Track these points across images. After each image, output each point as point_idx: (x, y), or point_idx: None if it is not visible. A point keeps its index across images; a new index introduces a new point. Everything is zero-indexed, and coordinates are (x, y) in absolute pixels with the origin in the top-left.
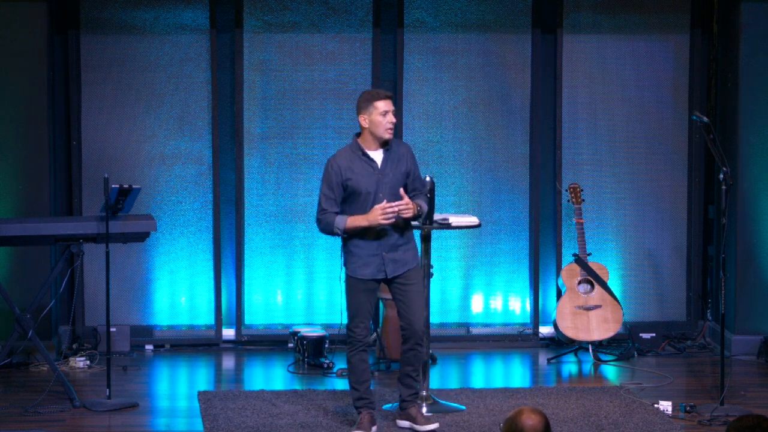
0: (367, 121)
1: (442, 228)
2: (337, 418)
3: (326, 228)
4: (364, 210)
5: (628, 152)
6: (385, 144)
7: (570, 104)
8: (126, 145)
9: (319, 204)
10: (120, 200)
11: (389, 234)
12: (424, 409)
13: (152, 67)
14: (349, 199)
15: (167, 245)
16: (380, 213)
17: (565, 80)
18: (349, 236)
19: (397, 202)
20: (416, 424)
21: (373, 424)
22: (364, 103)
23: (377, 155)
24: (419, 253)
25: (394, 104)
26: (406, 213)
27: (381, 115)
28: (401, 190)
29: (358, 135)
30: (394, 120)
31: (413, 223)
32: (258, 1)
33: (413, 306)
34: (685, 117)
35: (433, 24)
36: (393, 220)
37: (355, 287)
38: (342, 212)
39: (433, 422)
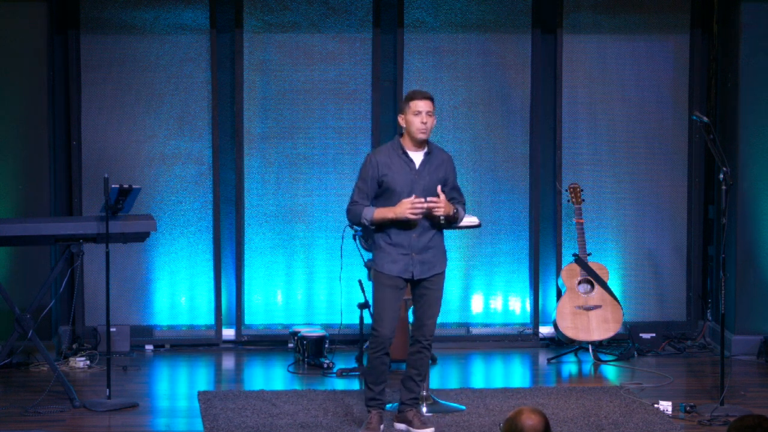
0: (404, 120)
1: (443, 228)
2: (337, 418)
3: (354, 218)
4: None
5: (628, 152)
6: (421, 145)
7: (570, 104)
8: (126, 145)
9: (352, 195)
10: (120, 200)
11: (420, 236)
12: (424, 409)
13: (152, 67)
14: (384, 195)
15: (167, 245)
16: (408, 206)
17: (565, 80)
18: (378, 230)
19: (430, 198)
20: (413, 427)
21: (381, 423)
22: (402, 102)
23: (417, 156)
24: (446, 258)
25: (393, 104)
26: (438, 210)
27: (414, 114)
28: (438, 188)
29: (402, 135)
30: (425, 121)
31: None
32: (258, 1)
33: (429, 310)
34: (685, 117)
35: (433, 24)
36: (420, 215)
37: (381, 282)
38: (375, 206)
39: (429, 426)
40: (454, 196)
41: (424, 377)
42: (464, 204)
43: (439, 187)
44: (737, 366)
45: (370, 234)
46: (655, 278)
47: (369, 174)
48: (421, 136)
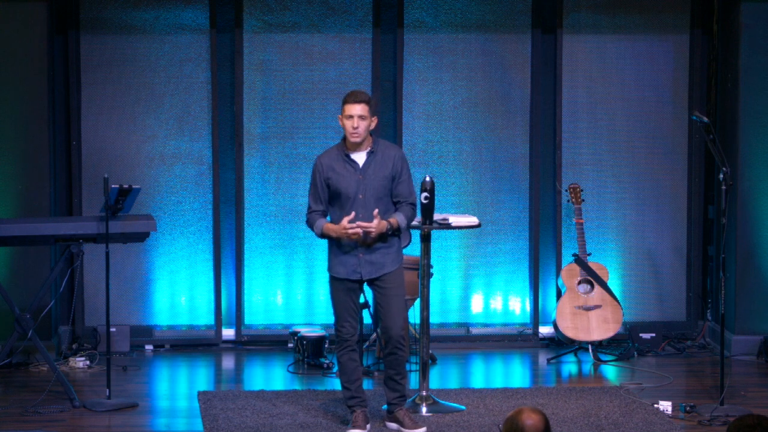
0: (341, 122)
1: (442, 228)
2: (337, 418)
3: (310, 227)
4: (345, 209)
5: (628, 152)
6: (361, 146)
7: (570, 104)
8: (126, 145)
9: (308, 201)
10: (120, 200)
11: (367, 237)
12: (424, 409)
13: (152, 68)
14: (333, 198)
15: (167, 245)
16: (342, 230)
17: (565, 80)
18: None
19: (365, 224)
20: (404, 427)
21: (367, 422)
22: (342, 103)
23: (359, 157)
24: (402, 257)
25: (393, 104)
26: (371, 234)
27: (346, 118)
28: (375, 211)
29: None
30: (357, 125)
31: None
32: (258, 1)
33: (390, 310)
34: (685, 117)
35: (433, 24)
36: (357, 237)
37: (333, 286)
38: (329, 210)
39: (420, 426)
40: (401, 193)
41: (404, 375)
42: (413, 204)
43: (375, 211)
44: (737, 366)
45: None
46: (655, 278)
47: (317, 178)
48: (354, 140)
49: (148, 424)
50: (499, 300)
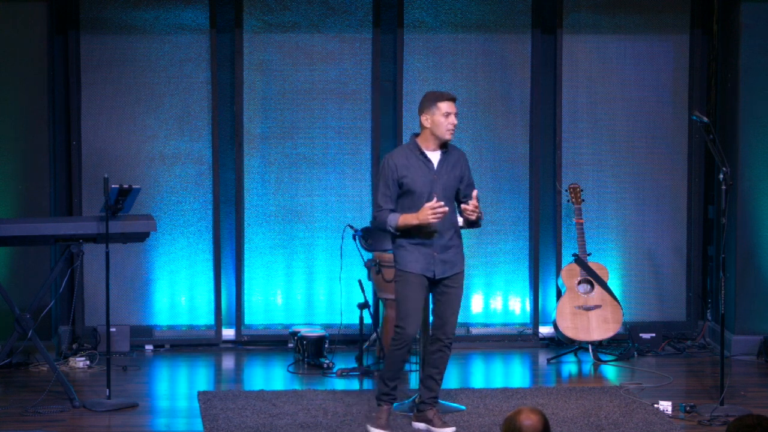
0: (429, 121)
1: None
2: (337, 418)
3: (380, 225)
4: (416, 208)
5: (628, 152)
6: (443, 146)
7: (570, 104)
8: (126, 145)
9: (375, 200)
10: (120, 200)
11: (441, 235)
12: None
13: (152, 68)
14: (403, 196)
15: (167, 245)
16: (430, 212)
17: (565, 80)
18: (402, 234)
19: (465, 206)
20: (433, 426)
21: (390, 417)
22: (427, 103)
23: (434, 156)
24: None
25: (393, 104)
26: (472, 216)
27: (443, 116)
28: (474, 192)
29: (417, 135)
30: (455, 122)
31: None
32: (258, 1)
33: (451, 308)
34: (685, 117)
35: (433, 24)
36: (440, 218)
37: (406, 281)
38: (396, 209)
39: (450, 426)
40: (469, 193)
41: (443, 375)
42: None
43: (474, 192)
44: (737, 366)
45: (375, 235)
46: (655, 278)
47: (389, 177)
48: (450, 137)
49: (148, 424)
50: (499, 300)
